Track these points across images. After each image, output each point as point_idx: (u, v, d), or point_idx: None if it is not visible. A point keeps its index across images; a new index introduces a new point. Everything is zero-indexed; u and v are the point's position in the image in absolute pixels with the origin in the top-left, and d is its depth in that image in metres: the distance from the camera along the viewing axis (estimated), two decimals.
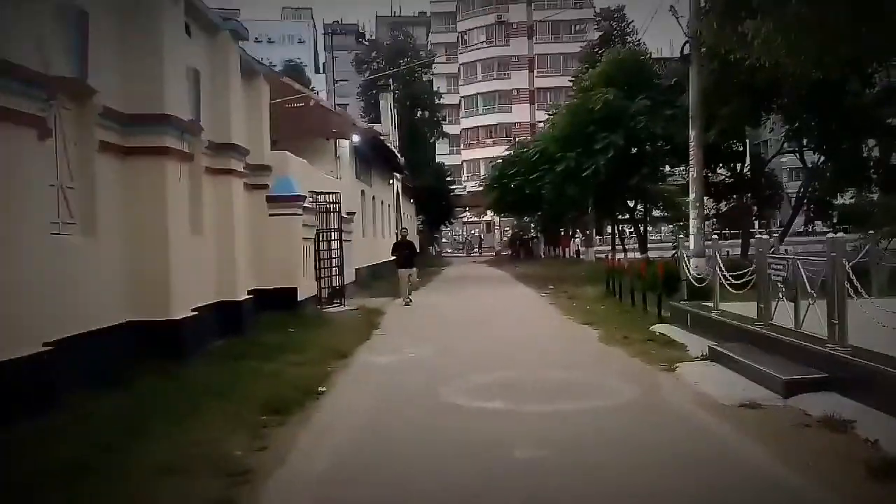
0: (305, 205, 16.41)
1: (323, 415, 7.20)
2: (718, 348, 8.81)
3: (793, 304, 7.88)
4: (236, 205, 12.37)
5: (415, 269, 19.37)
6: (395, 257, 19.73)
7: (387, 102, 40.78)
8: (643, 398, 7.36)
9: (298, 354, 10.46)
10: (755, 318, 8.91)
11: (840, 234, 7.37)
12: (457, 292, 19.50)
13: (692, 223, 19.06)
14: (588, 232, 39.53)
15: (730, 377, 7.84)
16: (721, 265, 10.52)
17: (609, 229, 48.86)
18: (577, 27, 71.14)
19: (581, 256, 41.66)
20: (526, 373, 8.93)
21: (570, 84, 35.49)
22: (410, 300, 18.45)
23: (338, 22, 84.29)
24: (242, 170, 12.87)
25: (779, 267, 8.22)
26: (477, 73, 74.30)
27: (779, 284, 8.19)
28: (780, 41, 12.18)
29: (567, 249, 48.07)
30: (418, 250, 20.62)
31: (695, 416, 6.67)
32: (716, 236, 13.85)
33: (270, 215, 15.24)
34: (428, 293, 21.81)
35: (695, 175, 18.78)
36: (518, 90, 72.74)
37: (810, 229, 46.91)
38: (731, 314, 10.00)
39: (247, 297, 12.70)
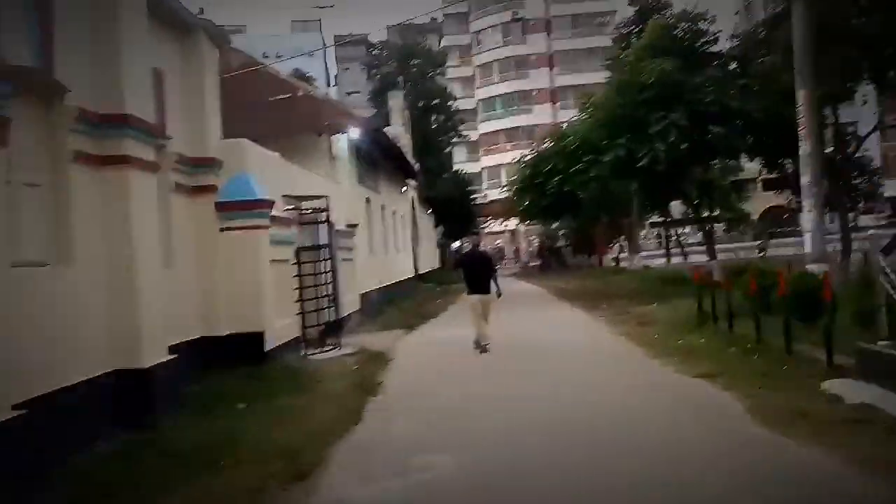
0: (277, 213, 11.79)
1: None
2: None
3: None
4: (137, 214, 7.67)
5: (491, 294, 12.34)
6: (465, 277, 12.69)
7: (397, 101, 36.30)
8: None
9: (219, 473, 5.81)
10: None
11: None
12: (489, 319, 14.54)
13: (806, 217, 14.09)
14: (632, 236, 34.44)
15: None
16: None
17: (642, 233, 43.80)
18: (599, 20, 66.30)
19: (622, 265, 36.55)
20: None
21: (605, 66, 30.63)
22: (488, 346, 12.00)
23: (348, 35, 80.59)
24: (152, 159, 8.21)
25: None
26: (494, 74, 69.87)
27: None
28: None
29: (603, 257, 43.09)
30: (496, 266, 13.53)
31: None
32: None
33: (222, 230, 10.65)
34: (450, 322, 17.00)
35: (808, 149, 13.74)
36: (538, 90, 68.14)
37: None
38: None
39: (166, 358, 8.01)
